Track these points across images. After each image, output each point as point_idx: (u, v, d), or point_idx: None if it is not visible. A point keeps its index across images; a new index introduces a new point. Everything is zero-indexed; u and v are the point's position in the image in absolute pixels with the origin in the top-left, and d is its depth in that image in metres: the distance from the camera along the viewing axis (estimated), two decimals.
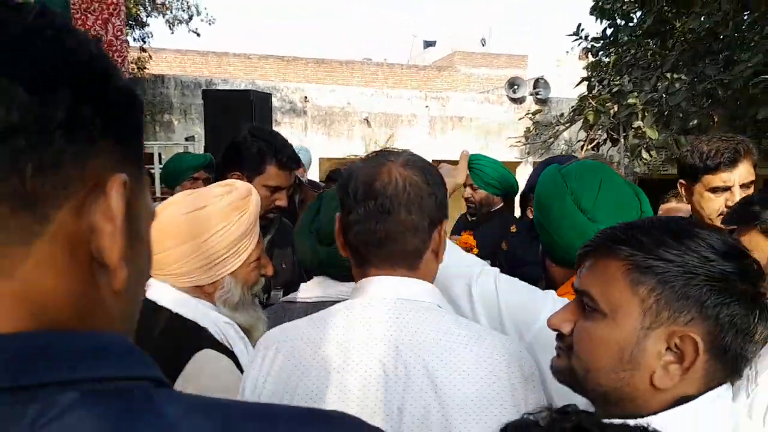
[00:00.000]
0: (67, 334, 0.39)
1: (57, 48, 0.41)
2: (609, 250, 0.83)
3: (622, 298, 0.80)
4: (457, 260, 1.27)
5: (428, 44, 23.73)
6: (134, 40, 10.15)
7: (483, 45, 23.05)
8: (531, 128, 6.92)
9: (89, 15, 4.33)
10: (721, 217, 1.74)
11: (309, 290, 1.45)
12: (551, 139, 6.84)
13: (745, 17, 5.31)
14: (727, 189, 1.77)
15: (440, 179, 1.04)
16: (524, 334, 1.16)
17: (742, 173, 1.78)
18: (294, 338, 0.99)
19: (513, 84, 11.89)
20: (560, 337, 0.88)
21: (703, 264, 0.77)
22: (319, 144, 11.10)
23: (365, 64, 19.84)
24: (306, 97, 10.91)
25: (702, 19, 5.47)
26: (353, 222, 0.99)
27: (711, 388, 0.78)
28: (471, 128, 11.93)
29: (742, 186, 1.78)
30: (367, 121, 11.33)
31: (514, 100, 11.89)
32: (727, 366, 0.78)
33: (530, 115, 6.95)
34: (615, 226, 0.88)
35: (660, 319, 0.78)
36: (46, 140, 0.39)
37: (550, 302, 1.17)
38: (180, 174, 3.34)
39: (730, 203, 1.73)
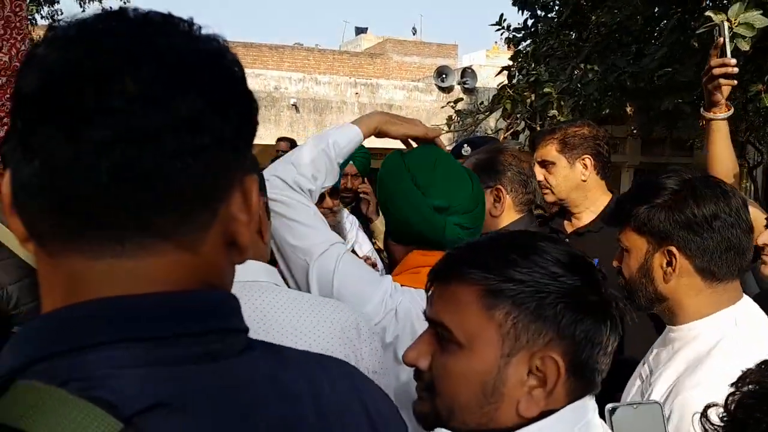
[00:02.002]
0: (225, 293, 0.54)
1: (230, 75, 0.52)
2: (459, 275, 0.79)
3: (479, 325, 0.77)
4: (301, 235, 1.27)
5: (360, 30, 23.63)
6: (42, 17, 9.54)
7: (414, 33, 23.20)
8: (453, 116, 7.05)
9: None
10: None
11: None
12: (472, 127, 6.99)
13: (655, 12, 5.57)
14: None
15: None
16: None
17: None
18: None
19: (441, 73, 12.07)
20: (418, 375, 0.83)
21: (553, 280, 0.76)
22: None
23: (296, 49, 19.54)
24: None
25: (615, 12, 5.70)
26: None
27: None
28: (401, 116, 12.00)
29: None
30: (296, 107, 11.19)
31: (442, 89, 12.06)
32: (585, 381, 0.78)
33: (452, 104, 7.06)
34: (460, 246, 0.85)
35: (519, 344, 0.76)
36: (222, 154, 0.50)
37: (382, 291, 1.23)
38: None
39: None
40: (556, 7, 6.59)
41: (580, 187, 2.05)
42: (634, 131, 11.48)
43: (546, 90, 5.31)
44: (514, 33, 6.81)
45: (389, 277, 1.32)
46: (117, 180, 0.46)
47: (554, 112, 5.29)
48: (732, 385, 0.70)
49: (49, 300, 0.49)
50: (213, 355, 0.49)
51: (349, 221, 2.32)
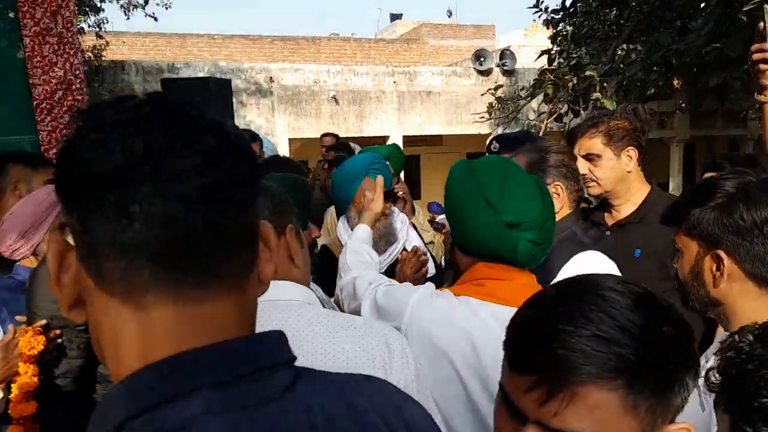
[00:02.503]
0: (276, 332, 0.61)
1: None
2: (599, 379, 0.68)
3: (619, 427, 0.68)
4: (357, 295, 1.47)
5: (395, 17, 23.48)
6: (89, 26, 9.87)
7: (449, 16, 22.91)
8: (494, 103, 6.95)
9: (37, 8, 4.23)
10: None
11: None
12: (514, 113, 6.89)
13: None
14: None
15: None
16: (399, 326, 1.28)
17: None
18: None
19: (479, 56, 11.90)
20: None
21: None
22: (286, 124, 11.03)
23: (332, 39, 19.61)
24: (271, 78, 10.79)
25: None
26: None
27: None
28: (439, 102, 11.95)
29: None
30: (335, 99, 11.27)
31: (481, 72, 11.91)
32: None
33: (491, 91, 6.98)
34: (571, 338, 0.68)
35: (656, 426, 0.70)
36: (256, 202, 0.60)
37: (415, 297, 1.31)
38: None
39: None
40: None
41: (625, 178, 2.06)
42: (682, 105, 11.09)
43: (588, 73, 5.20)
44: (552, 14, 6.69)
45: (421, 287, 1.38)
46: (204, 231, 0.54)
47: (597, 94, 5.19)
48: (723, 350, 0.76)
49: (129, 349, 0.54)
50: (275, 393, 0.56)
51: (400, 219, 2.36)
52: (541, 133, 7.02)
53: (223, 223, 0.55)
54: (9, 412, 1.94)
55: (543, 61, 7.24)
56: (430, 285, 1.35)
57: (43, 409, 1.80)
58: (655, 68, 5.36)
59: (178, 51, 16.01)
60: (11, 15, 4.47)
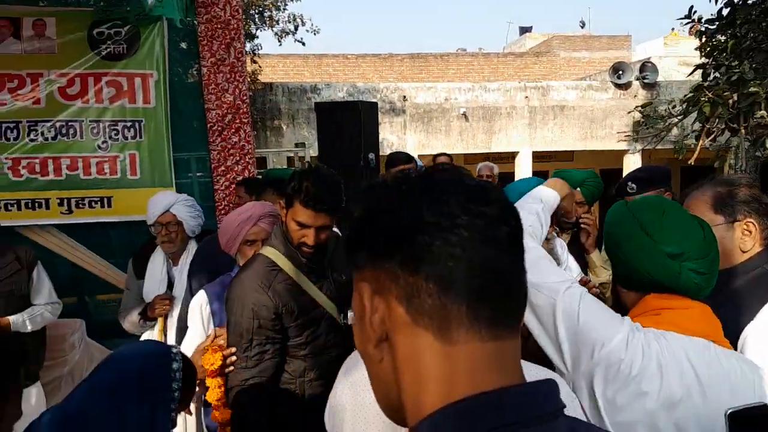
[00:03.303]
0: (547, 381, 0.63)
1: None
2: None
3: None
4: (544, 273, 1.39)
5: (524, 30, 23.15)
6: (245, 53, 10.76)
7: (582, 27, 22.17)
8: (641, 120, 6.62)
9: (214, 41, 4.72)
10: None
11: None
12: (664, 132, 6.53)
13: None
14: None
15: None
16: (594, 353, 1.26)
17: None
18: None
19: (618, 69, 11.43)
20: None
21: None
22: (417, 142, 11.27)
23: (460, 55, 19.74)
24: (405, 96, 11.10)
25: None
26: None
27: None
28: (573, 117, 11.61)
29: None
30: (465, 116, 11.34)
31: (619, 86, 11.43)
32: None
33: (639, 108, 6.66)
34: None
35: None
36: None
37: (626, 328, 1.27)
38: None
39: None
40: None
41: None
42: None
43: (752, 89, 4.83)
44: (706, 25, 6.28)
45: (628, 318, 1.37)
46: (511, 272, 0.61)
47: (762, 112, 4.81)
48: None
49: (434, 385, 0.59)
50: None
51: (559, 244, 2.37)
52: (695, 155, 6.57)
53: (520, 265, 0.63)
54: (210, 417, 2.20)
55: (689, 72, 6.77)
56: (626, 320, 1.37)
57: (235, 414, 2.01)
58: None
59: (315, 70, 16.94)
60: (183, 46, 5.02)
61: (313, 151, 8.09)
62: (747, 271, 1.66)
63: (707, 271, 1.34)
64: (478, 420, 0.56)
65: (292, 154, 9.09)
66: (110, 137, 4.57)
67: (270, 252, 2.12)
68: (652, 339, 1.30)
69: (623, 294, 1.46)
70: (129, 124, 4.61)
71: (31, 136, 4.39)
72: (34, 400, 3.05)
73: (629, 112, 8.79)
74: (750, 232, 1.70)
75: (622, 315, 1.42)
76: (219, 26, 4.71)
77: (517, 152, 11.80)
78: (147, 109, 4.66)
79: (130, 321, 3.12)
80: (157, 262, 3.16)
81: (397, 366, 0.62)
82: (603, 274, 2.63)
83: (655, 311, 1.35)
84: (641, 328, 1.34)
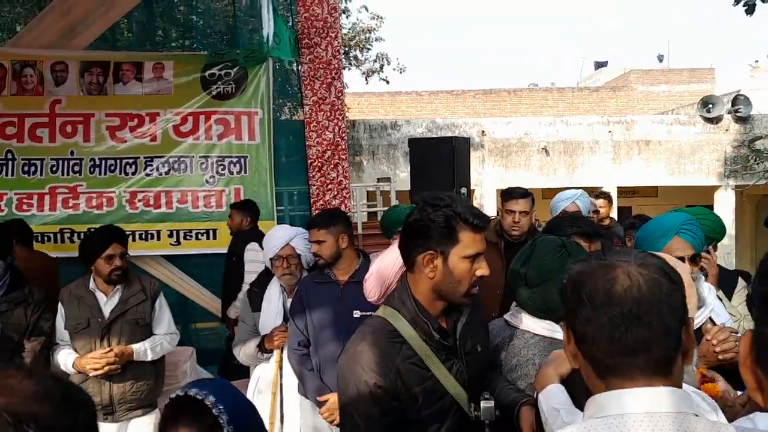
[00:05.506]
0: None
1: None
2: None
3: None
4: None
5: (599, 65, 22.84)
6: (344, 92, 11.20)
7: (660, 61, 21.64)
8: (746, 155, 6.34)
9: (316, 81, 4.89)
10: None
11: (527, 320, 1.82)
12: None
13: None
14: None
15: (679, 276, 0.97)
16: None
17: None
18: None
19: (707, 103, 11.03)
20: None
21: None
22: (495, 176, 11.19)
23: (532, 90, 19.63)
24: (483, 131, 11.10)
25: None
26: (594, 331, 0.94)
27: None
28: (659, 152, 11.24)
29: None
30: (546, 151, 11.19)
31: (708, 120, 11.01)
32: None
33: (747, 143, 6.38)
34: None
35: None
36: None
37: None
38: (394, 225, 3.49)
39: None
40: None
41: None
42: None
43: None
44: None
45: None
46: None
47: None
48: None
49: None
50: None
51: (706, 286, 2.27)
52: None
53: None
54: None
55: None
56: None
57: None
58: None
59: (389, 107, 17.25)
60: (286, 86, 5.22)
61: (396, 186, 8.17)
62: None
63: None
64: None
65: (374, 188, 9.21)
66: (217, 172, 4.78)
67: (391, 315, 1.62)
68: None
69: None
70: (235, 159, 4.81)
71: (147, 171, 4.65)
72: (152, 428, 3.14)
73: (735, 147, 8.44)
74: None
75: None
76: (321, 66, 4.88)
77: (600, 187, 11.49)
78: (251, 146, 4.85)
79: (246, 353, 3.17)
80: (273, 294, 3.21)
81: None
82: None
83: None
84: None
